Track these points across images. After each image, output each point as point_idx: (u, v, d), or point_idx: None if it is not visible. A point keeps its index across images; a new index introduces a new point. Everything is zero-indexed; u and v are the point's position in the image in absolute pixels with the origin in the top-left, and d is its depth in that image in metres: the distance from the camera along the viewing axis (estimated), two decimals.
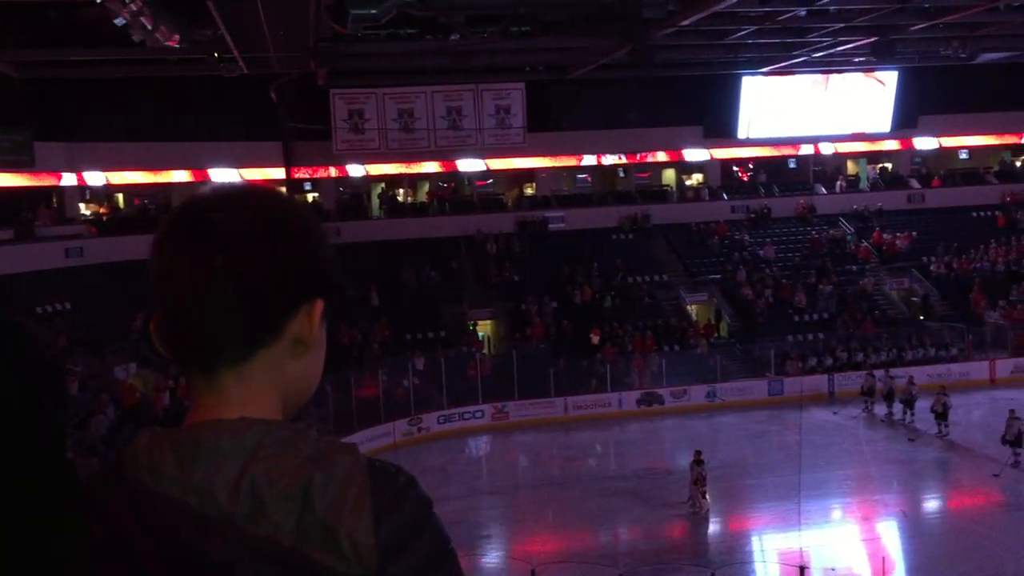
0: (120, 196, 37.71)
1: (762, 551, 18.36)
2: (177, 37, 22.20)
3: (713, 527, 19.44)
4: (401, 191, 40.29)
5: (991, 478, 21.63)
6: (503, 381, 29.26)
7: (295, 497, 1.11)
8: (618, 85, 37.22)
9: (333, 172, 37.50)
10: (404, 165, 38.10)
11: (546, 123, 37.94)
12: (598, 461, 26.13)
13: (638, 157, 40.14)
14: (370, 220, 38.00)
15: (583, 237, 37.17)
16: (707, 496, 19.94)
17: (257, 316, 1.19)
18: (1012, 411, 22.77)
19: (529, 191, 41.23)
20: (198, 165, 34.77)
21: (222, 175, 34.54)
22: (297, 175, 35.88)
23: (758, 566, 17.48)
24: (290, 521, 1.10)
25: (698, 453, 20.28)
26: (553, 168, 40.11)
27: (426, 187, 40.72)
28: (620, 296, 34.38)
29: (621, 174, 41.99)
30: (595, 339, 31.76)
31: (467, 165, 38.40)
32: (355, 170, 37.54)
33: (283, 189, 36.14)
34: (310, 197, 38.50)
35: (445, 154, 37.36)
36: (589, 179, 42.24)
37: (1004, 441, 22.36)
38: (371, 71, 33.26)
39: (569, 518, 20.93)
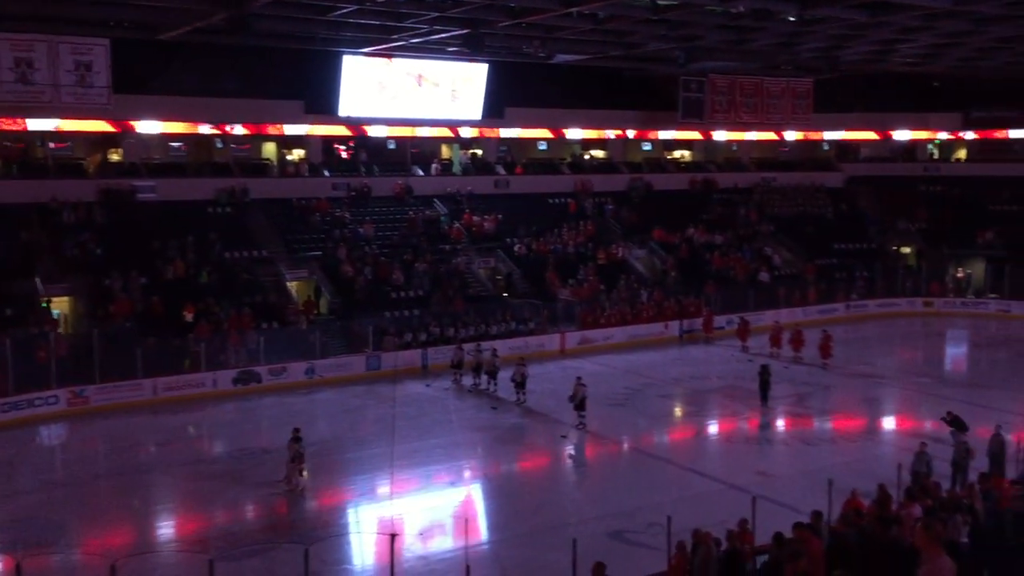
0: None
1: (357, 522, 18.81)
2: None
3: (310, 503, 19.55)
4: None
5: (560, 439, 24.19)
6: (82, 363, 26.97)
7: None
8: (215, 52, 35.64)
9: None
10: None
11: (135, 85, 35.21)
12: (190, 444, 24.99)
13: (234, 128, 38.76)
14: None
15: (176, 209, 35.34)
16: (304, 473, 20.05)
17: None
18: (579, 378, 25.67)
19: (115, 157, 38.12)
20: None
21: None
22: None
23: (353, 537, 17.88)
24: None
25: (296, 430, 20.30)
26: (143, 134, 37.39)
27: None
28: (216, 272, 33.15)
29: (218, 145, 40.33)
30: (189, 316, 30.37)
31: (39, 124, 34.43)
32: None
33: None
34: None
35: (13, 111, 33.17)
36: (184, 148, 40.04)
37: (571, 401, 25.09)
38: None
39: (156, 506, 19.84)
